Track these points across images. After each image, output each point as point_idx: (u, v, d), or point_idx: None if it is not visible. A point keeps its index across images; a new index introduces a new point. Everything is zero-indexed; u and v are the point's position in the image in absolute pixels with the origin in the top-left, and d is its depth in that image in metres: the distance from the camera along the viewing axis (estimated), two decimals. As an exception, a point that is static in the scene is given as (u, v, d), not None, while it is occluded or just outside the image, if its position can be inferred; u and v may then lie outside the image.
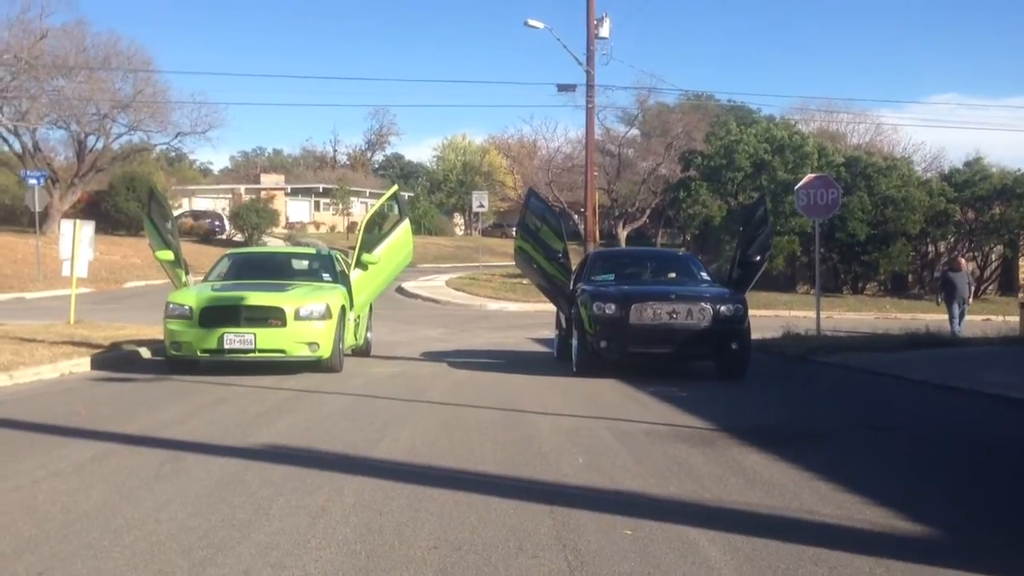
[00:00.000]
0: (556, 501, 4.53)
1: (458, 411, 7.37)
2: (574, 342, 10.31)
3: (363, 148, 77.37)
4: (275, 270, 11.40)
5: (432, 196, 67.74)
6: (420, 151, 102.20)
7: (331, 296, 10.16)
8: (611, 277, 11.14)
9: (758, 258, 11.09)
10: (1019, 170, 31.11)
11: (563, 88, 28.40)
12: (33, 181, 26.48)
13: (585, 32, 25.62)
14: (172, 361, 9.91)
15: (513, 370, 10.62)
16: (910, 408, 6.73)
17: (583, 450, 5.83)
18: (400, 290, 26.33)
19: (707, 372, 10.51)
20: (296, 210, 59.81)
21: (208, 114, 40.36)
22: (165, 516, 4.22)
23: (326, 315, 9.79)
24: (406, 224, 11.61)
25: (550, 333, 14.98)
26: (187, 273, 11.08)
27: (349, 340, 10.89)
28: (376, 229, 11.96)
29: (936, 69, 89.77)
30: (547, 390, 9.05)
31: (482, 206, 34.80)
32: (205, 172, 67.94)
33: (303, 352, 9.69)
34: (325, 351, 9.78)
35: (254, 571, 3.51)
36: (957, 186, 30.61)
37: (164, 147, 45.97)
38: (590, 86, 25.89)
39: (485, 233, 55.81)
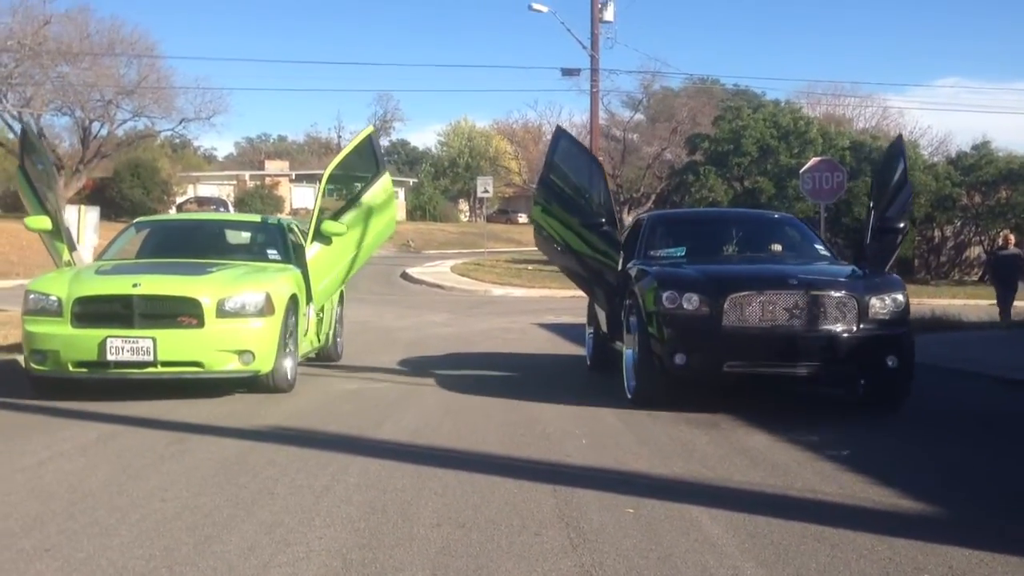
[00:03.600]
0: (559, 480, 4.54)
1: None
2: (628, 352, 7.13)
3: (368, 134, 77.13)
4: (203, 246, 8.37)
5: (437, 182, 67.71)
6: (425, 137, 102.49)
7: (275, 281, 7.29)
8: (681, 252, 7.80)
9: (901, 224, 7.86)
10: (1025, 154, 30.95)
11: (567, 72, 28.41)
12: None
13: (589, 16, 25.55)
14: (35, 380, 6.94)
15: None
16: (917, 389, 6.75)
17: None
18: (405, 275, 26.39)
19: (834, 397, 7.31)
20: (301, 196, 59.80)
21: (212, 100, 40.43)
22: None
23: (265, 309, 6.90)
24: (386, 180, 8.36)
25: (555, 318, 15.03)
26: (73, 249, 8.06)
27: (307, 344, 8.14)
28: (343, 188, 8.82)
29: (938, 53, 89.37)
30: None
31: (487, 192, 34.79)
32: (209, 159, 67.92)
33: (230, 365, 6.77)
34: (264, 362, 6.86)
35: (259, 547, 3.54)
36: (963, 170, 30.49)
37: (168, 133, 45.98)
38: (594, 70, 25.83)
39: (490, 219, 55.81)
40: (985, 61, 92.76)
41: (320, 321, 8.65)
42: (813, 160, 16.77)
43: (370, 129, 8.66)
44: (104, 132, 40.08)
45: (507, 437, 5.73)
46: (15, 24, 34.45)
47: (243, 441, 5.48)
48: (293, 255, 8.27)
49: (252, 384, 7.13)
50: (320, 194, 7.96)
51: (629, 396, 7.02)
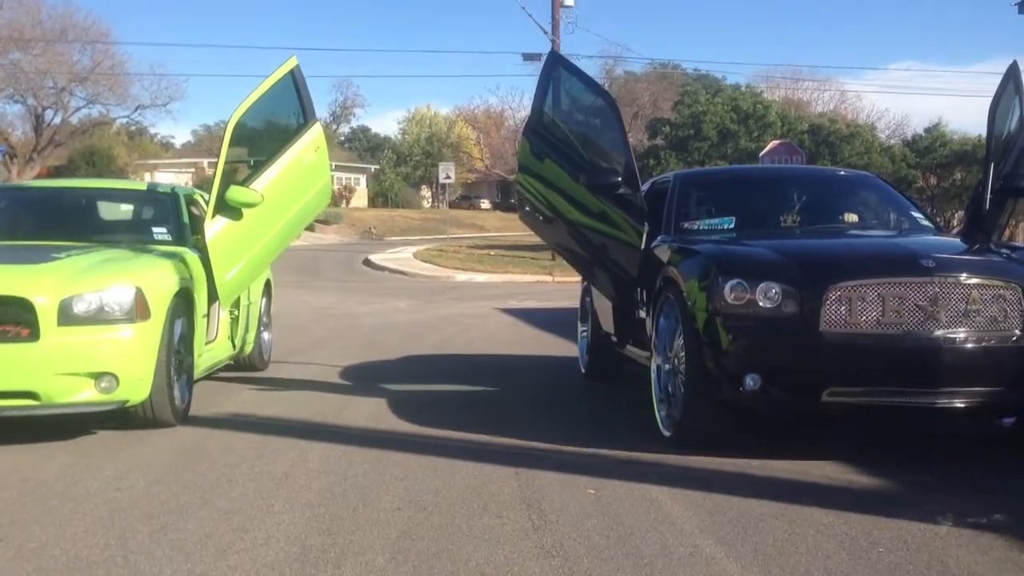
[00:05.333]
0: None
1: None
2: (656, 367, 5.25)
3: (328, 120, 76.58)
4: (64, 223, 6.52)
5: (398, 169, 67.37)
6: (385, 123, 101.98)
7: (152, 271, 5.38)
8: (728, 223, 5.93)
9: None
10: (979, 136, 31.53)
11: (528, 57, 28.35)
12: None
13: (550, 1, 25.49)
14: None
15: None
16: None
17: None
18: (367, 262, 26.25)
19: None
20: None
21: (168, 86, 40.02)
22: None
23: (134, 311, 4.93)
24: (316, 132, 6.35)
25: (518, 303, 15.04)
26: None
27: (213, 355, 6.39)
28: (256, 144, 6.46)
29: (893, 37, 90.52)
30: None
31: (448, 177, 34.67)
32: (167, 146, 67.03)
33: (81, 394, 4.82)
34: (134, 388, 4.94)
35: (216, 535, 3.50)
36: (919, 152, 31.02)
37: (124, 121, 45.40)
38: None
39: (452, 205, 55.68)
40: (938, 45, 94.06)
41: (235, 321, 6.84)
42: (772, 143, 16.94)
43: (292, 62, 6.23)
44: (58, 120, 39.47)
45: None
46: (-36, 9, 33.68)
47: (200, 428, 5.42)
48: (190, 235, 6.41)
49: (120, 418, 5.20)
50: (223, 152, 5.90)
51: (665, 431, 5.01)
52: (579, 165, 5.77)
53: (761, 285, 4.49)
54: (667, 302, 5.15)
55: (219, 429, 5.42)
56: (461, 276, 22.52)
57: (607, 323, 6.61)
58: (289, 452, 4.81)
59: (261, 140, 6.49)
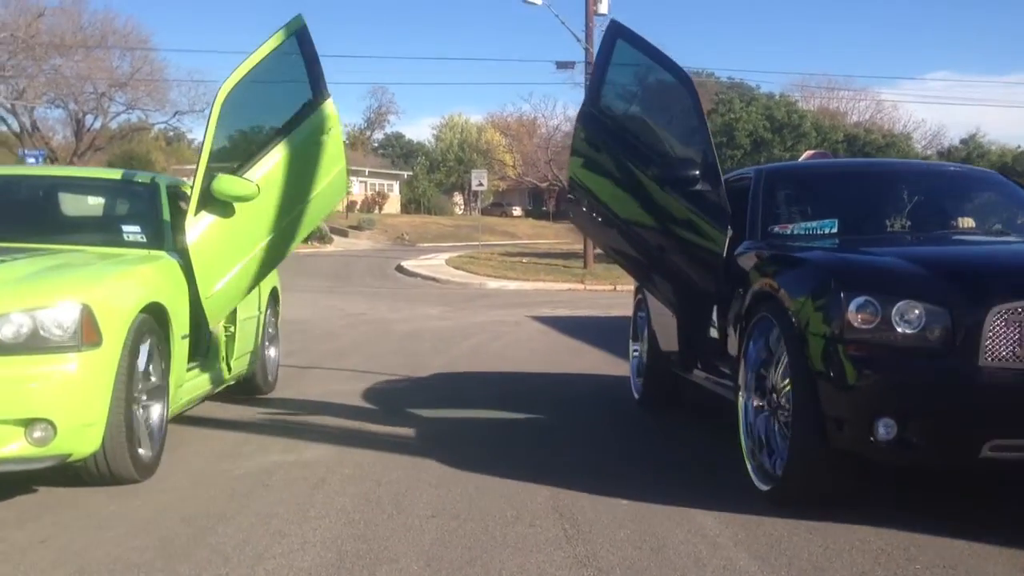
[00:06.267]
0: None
1: None
2: (745, 404, 4.29)
3: (362, 127, 77.17)
4: (19, 220, 5.42)
5: (431, 175, 67.67)
6: (419, 130, 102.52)
7: (106, 282, 4.24)
8: (831, 226, 4.91)
9: None
10: (1019, 147, 31.11)
11: (562, 65, 28.39)
12: (32, 160, 26.59)
13: (584, 9, 25.53)
14: None
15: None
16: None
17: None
18: (400, 268, 26.38)
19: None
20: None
21: (206, 92, 40.44)
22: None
23: (78, 336, 3.83)
24: (328, 110, 5.21)
25: (551, 311, 15.05)
26: None
27: (205, 378, 5.40)
28: (253, 124, 5.44)
29: (929, 46, 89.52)
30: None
31: (481, 184, 34.77)
32: (204, 151, 67.66)
33: (6, 447, 3.72)
34: (79, 439, 3.85)
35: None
36: (955, 163, 30.68)
37: (162, 126, 46.01)
38: (589, 63, 25.80)
39: (484, 212, 55.80)
40: (975, 54, 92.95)
41: (229, 339, 5.76)
42: (808, 152, 16.81)
43: (298, 21, 5.07)
44: (97, 125, 40.12)
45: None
46: (8, 16, 34.40)
47: (235, 432, 5.49)
48: (171, 236, 5.25)
49: (67, 474, 4.12)
50: (209, 133, 4.70)
51: (761, 485, 4.05)
52: (645, 156, 4.86)
53: (899, 305, 3.52)
54: (761, 323, 4.15)
55: (254, 434, 5.47)
56: (493, 283, 22.56)
57: (668, 343, 5.76)
58: (323, 457, 4.86)
59: (258, 119, 5.39)
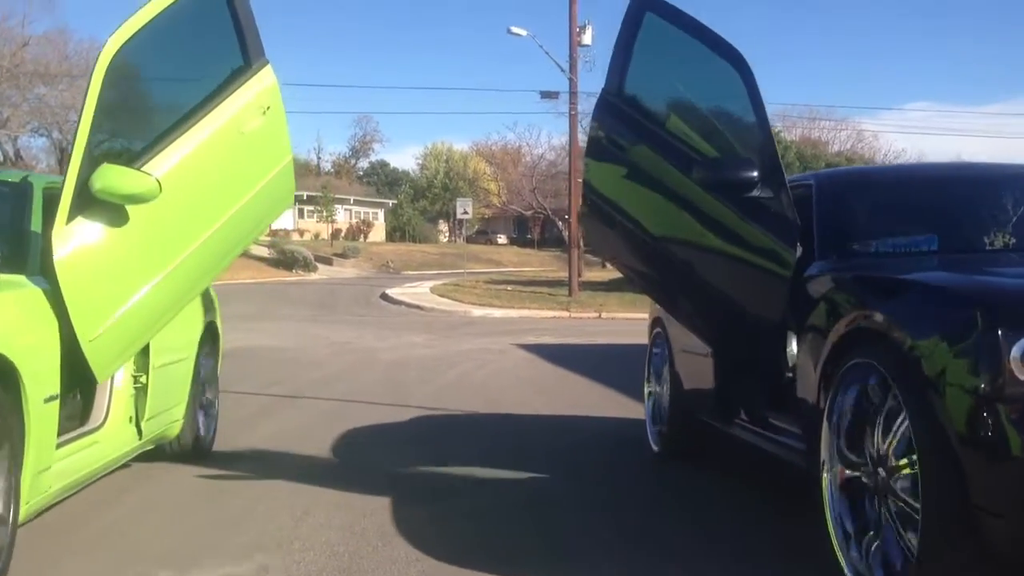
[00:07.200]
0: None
1: None
2: (828, 476, 3.23)
3: (347, 155, 77.39)
4: None
5: (416, 203, 67.82)
6: (403, 158, 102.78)
7: None
8: (931, 242, 4.12)
9: None
10: (999, 176, 31.48)
11: (546, 95, 28.67)
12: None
13: (568, 40, 25.77)
14: None
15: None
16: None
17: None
18: (384, 296, 26.34)
19: None
20: (280, 218, 59.70)
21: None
22: (147, 520, 4.18)
23: None
24: (267, 82, 3.90)
25: (535, 339, 15.04)
26: None
27: (98, 450, 3.98)
28: (152, 99, 4.15)
29: (908, 77, 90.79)
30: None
31: (466, 213, 34.85)
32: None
33: None
34: None
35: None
36: None
37: (147, 155, 45.86)
38: (573, 93, 26.05)
39: (470, 240, 55.90)
40: (954, 85, 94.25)
41: (140, 391, 4.34)
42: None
43: None
44: (81, 153, 39.97)
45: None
46: (-8, 45, 34.38)
47: (222, 464, 5.44)
48: (38, 254, 3.78)
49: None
50: (88, 109, 3.50)
51: None
52: (685, 155, 3.93)
53: None
54: (856, 371, 3.09)
55: (238, 463, 5.43)
56: (478, 311, 22.54)
57: (697, 385, 4.83)
58: (306, 489, 4.82)
59: (165, 92, 4.07)
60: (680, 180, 3.91)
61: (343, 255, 48.06)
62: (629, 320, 19.50)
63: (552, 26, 54.04)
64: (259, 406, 7.88)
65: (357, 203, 64.64)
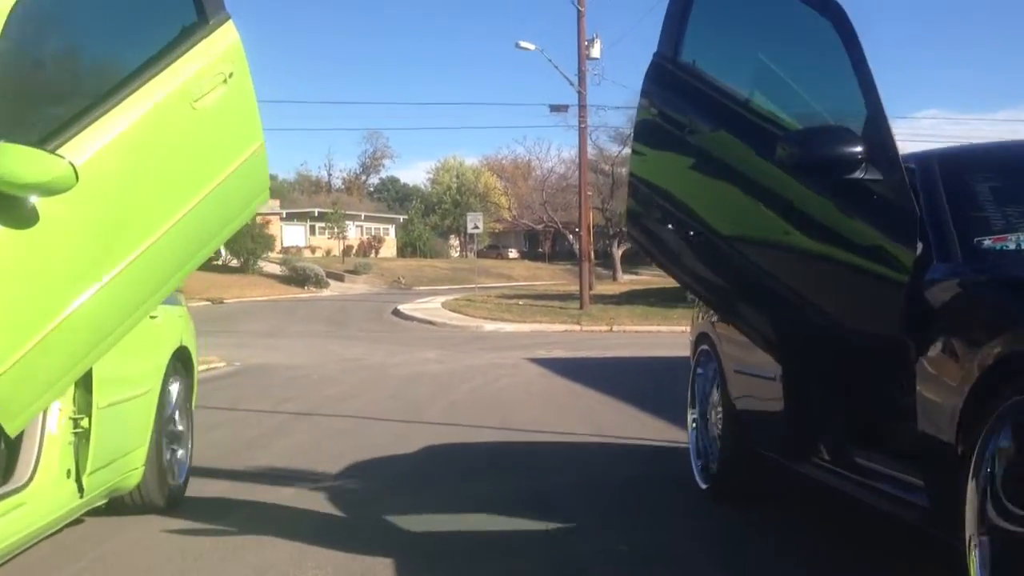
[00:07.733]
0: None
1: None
2: (976, 539, 2.26)
3: (358, 171, 77.67)
4: None
5: (427, 218, 67.99)
6: (414, 174, 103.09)
7: None
8: None
9: None
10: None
11: (555, 109, 28.73)
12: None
13: (576, 53, 25.82)
14: None
15: None
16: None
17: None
18: (396, 312, 26.34)
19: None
20: (292, 235, 59.93)
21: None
22: (159, 541, 4.14)
23: None
24: (228, 40, 3.00)
25: (546, 353, 14.99)
26: None
27: (20, 516, 2.95)
28: (72, 60, 2.94)
29: (918, 85, 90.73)
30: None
31: (477, 227, 34.86)
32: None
33: None
34: None
35: None
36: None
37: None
38: (582, 106, 26.09)
39: (480, 255, 55.92)
40: (963, 92, 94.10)
41: (80, 439, 3.42)
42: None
43: None
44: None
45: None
46: None
47: (235, 483, 5.41)
48: None
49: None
50: None
51: None
52: (763, 130, 3.11)
53: None
54: (1016, 409, 2.23)
55: (252, 483, 5.39)
56: (489, 326, 22.51)
57: (757, 410, 4.05)
58: (311, 515, 4.78)
59: (92, 52, 3.07)
60: (757, 163, 3.10)
61: (354, 271, 48.16)
62: (640, 333, 19.43)
63: (561, 40, 54.29)
64: (272, 424, 7.87)
65: (368, 219, 64.84)
